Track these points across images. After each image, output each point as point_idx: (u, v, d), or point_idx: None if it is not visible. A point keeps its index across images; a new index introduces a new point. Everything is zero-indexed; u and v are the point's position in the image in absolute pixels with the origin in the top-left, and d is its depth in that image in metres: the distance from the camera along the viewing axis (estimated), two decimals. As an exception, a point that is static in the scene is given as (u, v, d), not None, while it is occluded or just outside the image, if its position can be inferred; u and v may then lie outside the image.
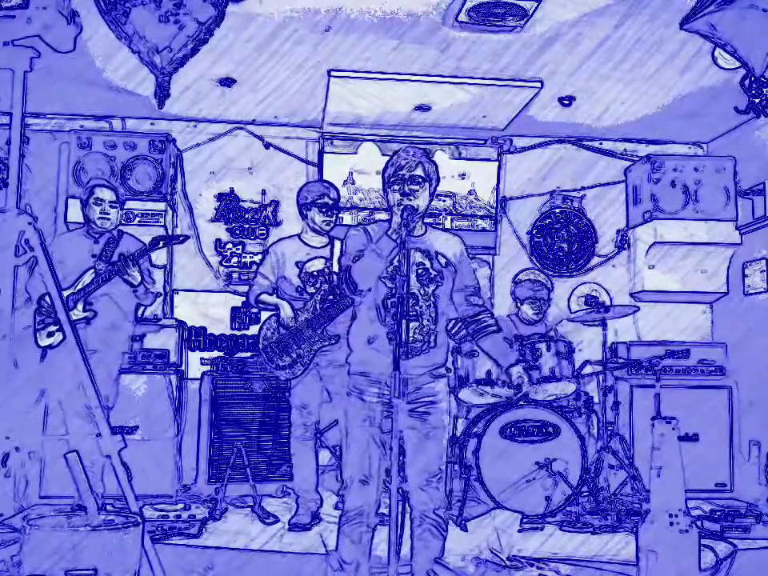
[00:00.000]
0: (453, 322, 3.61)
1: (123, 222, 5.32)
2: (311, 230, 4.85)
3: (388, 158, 3.69)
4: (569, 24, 4.57)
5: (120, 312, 4.77)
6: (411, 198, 3.54)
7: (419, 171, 3.57)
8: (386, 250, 3.56)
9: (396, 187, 3.57)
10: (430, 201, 3.66)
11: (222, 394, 5.49)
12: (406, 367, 3.50)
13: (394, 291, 3.35)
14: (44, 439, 4.58)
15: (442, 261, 3.62)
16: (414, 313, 3.53)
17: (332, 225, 4.85)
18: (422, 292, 3.56)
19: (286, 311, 4.66)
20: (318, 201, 4.80)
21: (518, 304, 5.70)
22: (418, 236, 3.64)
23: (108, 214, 4.78)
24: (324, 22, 4.57)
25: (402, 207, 3.52)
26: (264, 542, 4.40)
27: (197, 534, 4.40)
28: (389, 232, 3.63)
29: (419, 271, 3.57)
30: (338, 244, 4.84)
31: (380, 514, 4.62)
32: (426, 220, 3.72)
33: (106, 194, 4.79)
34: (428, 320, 3.56)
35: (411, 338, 3.50)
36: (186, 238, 5.04)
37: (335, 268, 4.76)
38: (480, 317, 3.69)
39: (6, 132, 3.38)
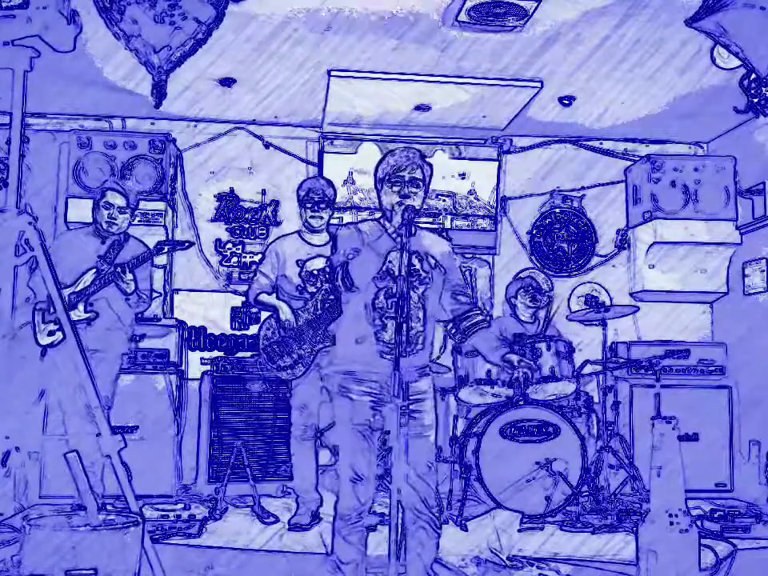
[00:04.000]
0: (446, 323, 3.65)
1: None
2: (304, 227, 4.84)
3: (384, 155, 3.70)
4: (569, 24, 4.57)
5: (121, 312, 4.77)
6: (410, 199, 3.55)
7: (418, 174, 3.58)
8: (385, 248, 3.56)
9: (395, 189, 3.57)
10: (423, 201, 3.68)
11: (221, 394, 5.49)
12: (407, 368, 3.52)
13: (394, 291, 3.35)
14: (44, 439, 4.58)
15: (432, 262, 3.63)
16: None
17: (322, 222, 4.79)
18: (411, 294, 3.56)
19: (286, 314, 4.64)
20: (305, 197, 4.78)
21: (513, 302, 5.70)
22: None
23: (115, 219, 4.75)
24: (324, 22, 4.57)
25: (403, 207, 3.52)
26: (264, 542, 4.40)
27: (197, 533, 4.40)
28: (389, 231, 3.63)
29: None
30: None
31: (380, 514, 4.64)
32: (426, 219, 3.73)
33: (117, 199, 4.75)
34: (416, 321, 3.56)
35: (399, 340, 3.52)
36: (191, 244, 5.02)
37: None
38: (469, 314, 3.72)
39: (6, 132, 3.38)
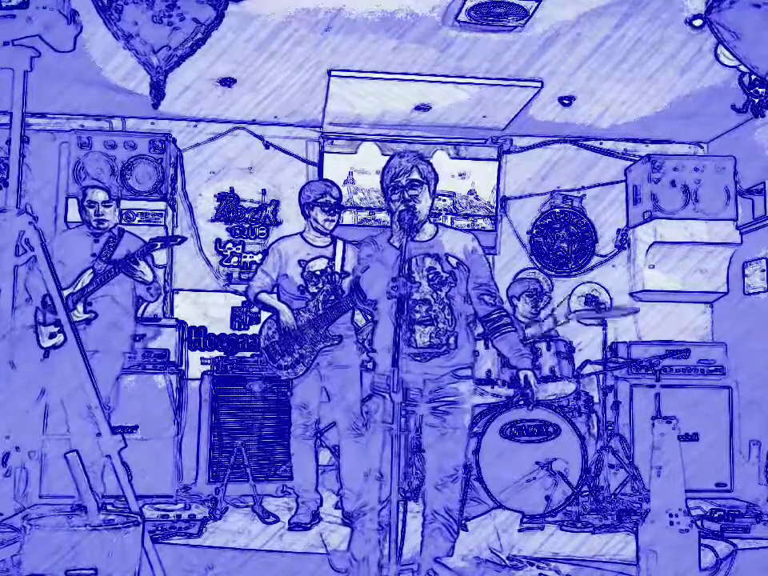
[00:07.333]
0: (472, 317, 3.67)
1: (124, 221, 5.33)
2: (313, 230, 4.84)
3: (385, 162, 3.70)
4: (569, 24, 4.57)
5: (121, 312, 4.77)
6: (413, 203, 3.55)
7: (415, 175, 3.58)
8: (391, 258, 3.57)
9: (396, 196, 3.59)
10: (432, 201, 3.67)
11: (222, 394, 5.49)
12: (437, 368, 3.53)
13: (394, 292, 3.36)
14: (44, 439, 4.58)
15: (453, 261, 3.62)
16: (428, 317, 3.54)
17: (334, 224, 4.83)
18: (435, 296, 3.56)
19: (286, 317, 4.64)
20: (320, 200, 4.78)
21: (515, 302, 5.70)
22: (427, 240, 3.64)
23: (103, 215, 4.78)
24: (324, 21, 4.57)
25: (400, 212, 3.53)
26: (264, 542, 4.40)
27: (197, 533, 4.40)
28: (390, 240, 3.64)
29: (430, 276, 3.57)
30: (340, 244, 4.84)
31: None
32: (427, 220, 3.72)
33: (99, 195, 4.78)
34: (443, 322, 3.56)
35: (428, 342, 3.53)
36: (184, 239, 5.02)
37: (337, 268, 4.75)
38: (494, 316, 3.71)
39: (6, 132, 3.39)
